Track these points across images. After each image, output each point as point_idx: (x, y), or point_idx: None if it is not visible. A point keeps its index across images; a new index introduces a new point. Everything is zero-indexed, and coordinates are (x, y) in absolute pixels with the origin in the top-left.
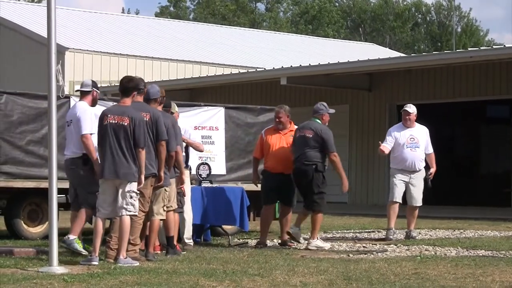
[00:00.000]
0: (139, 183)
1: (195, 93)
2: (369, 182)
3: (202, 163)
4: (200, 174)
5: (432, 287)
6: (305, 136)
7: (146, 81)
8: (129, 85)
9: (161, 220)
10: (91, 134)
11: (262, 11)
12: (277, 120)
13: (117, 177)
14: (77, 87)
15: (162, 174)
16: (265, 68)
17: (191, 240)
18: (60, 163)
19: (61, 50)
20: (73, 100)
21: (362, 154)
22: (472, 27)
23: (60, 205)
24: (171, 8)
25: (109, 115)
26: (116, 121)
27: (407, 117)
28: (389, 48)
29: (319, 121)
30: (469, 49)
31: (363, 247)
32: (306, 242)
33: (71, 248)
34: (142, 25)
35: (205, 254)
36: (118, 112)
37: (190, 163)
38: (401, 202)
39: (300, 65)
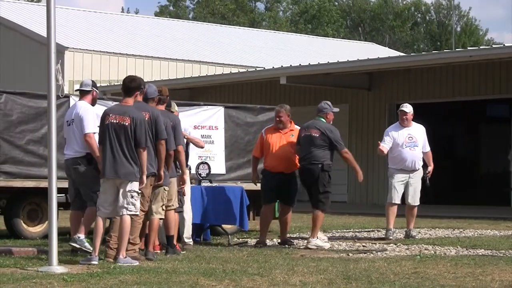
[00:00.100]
0: (140, 183)
1: (195, 92)
2: (368, 181)
3: (202, 163)
4: (200, 174)
5: (432, 286)
6: (311, 135)
7: (145, 80)
8: (131, 85)
9: (160, 219)
10: (94, 133)
11: (262, 11)
12: (278, 119)
13: (118, 176)
14: (77, 86)
15: (162, 173)
16: (264, 68)
17: (191, 240)
18: (60, 162)
19: (61, 50)
20: (73, 100)
21: (362, 153)
22: (472, 26)
23: (59, 205)
24: (171, 8)
25: (110, 115)
26: (117, 121)
27: (404, 116)
28: (388, 48)
29: (323, 120)
30: (469, 48)
31: (363, 246)
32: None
33: (83, 247)
34: (141, 24)
35: (204, 253)
36: (120, 112)
37: (189, 162)
38: (400, 203)
39: (300, 64)
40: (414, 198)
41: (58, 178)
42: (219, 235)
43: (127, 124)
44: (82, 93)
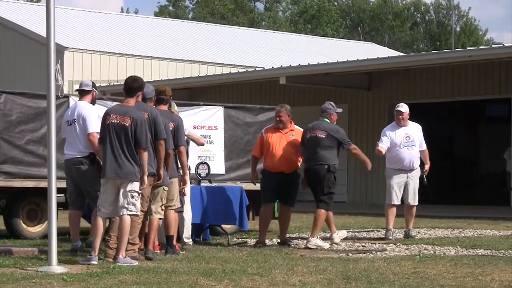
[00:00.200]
0: (141, 184)
1: (194, 92)
2: (368, 181)
3: (201, 163)
4: (199, 174)
5: (431, 286)
6: (317, 136)
7: (145, 80)
8: (133, 85)
9: (160, 219)
10: (97, 132)
11: (261, 11)
12: (278, 119)
13: (118, 176)
14: (76, 86)
15: (162, 172)
16: (264, 68)
17: (190, 240)
18: (60, 162)
19: (60, 50)
20: (72, 100)
21: None
22: (471, 26)
23: (59, 205)
24: (170, 8)
25: (111, 115)
26: (118, 121)
27: (400, 116)
28: (388, 48)
29: (327, 120)
30: (468, 48)
31: (362, 246)
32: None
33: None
34: (141, 24)
35: (204, 253)
36: (121, 112)
37: (189, 162)
38: (399, 203)
39: (299, 64)
40: (413, 198)
41: (58, 178)
42: (218, 235)
43: (127, 124)
44: (82, 93)
